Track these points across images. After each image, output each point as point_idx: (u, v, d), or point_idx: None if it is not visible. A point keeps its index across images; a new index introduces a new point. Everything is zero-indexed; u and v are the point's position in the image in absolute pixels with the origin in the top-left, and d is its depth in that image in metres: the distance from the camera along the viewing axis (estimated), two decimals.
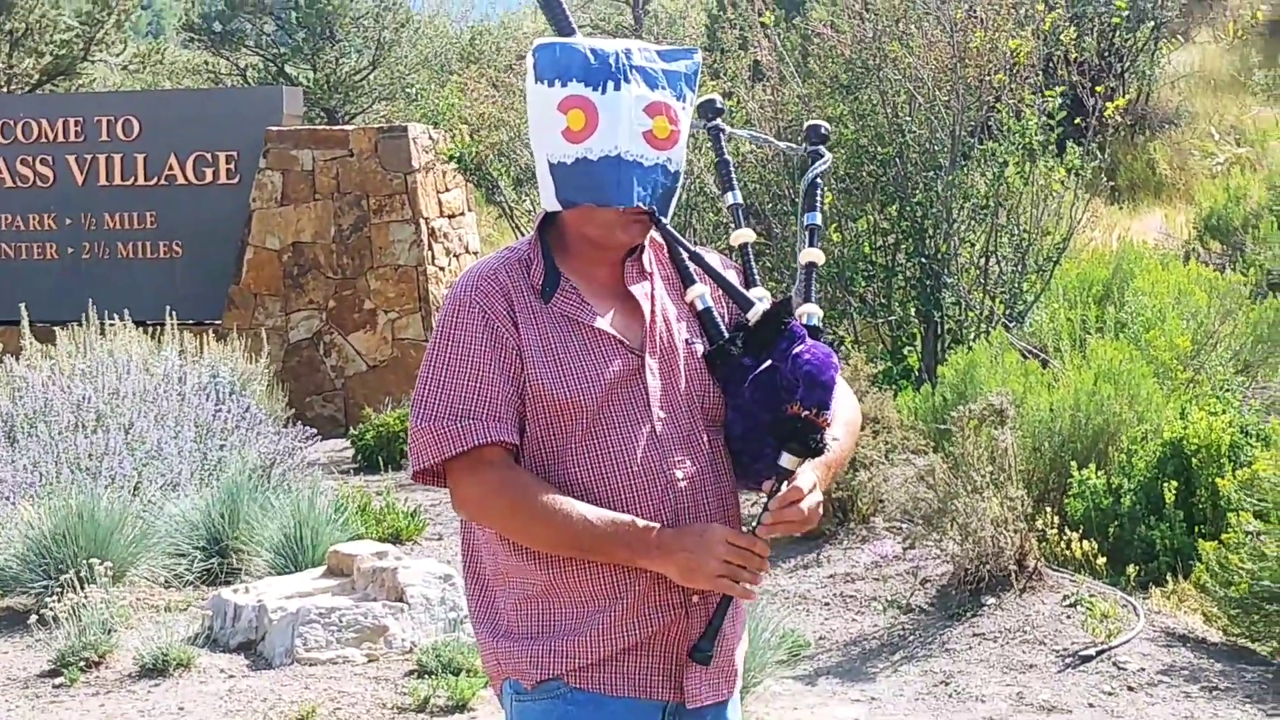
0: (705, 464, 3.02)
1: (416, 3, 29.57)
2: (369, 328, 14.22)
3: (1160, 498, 7.54)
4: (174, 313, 11.61)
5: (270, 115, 14.70)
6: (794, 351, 2.96)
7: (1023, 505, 7.30)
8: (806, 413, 2.91)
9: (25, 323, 10.60)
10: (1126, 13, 11.51)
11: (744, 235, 3.25)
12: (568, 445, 2.96)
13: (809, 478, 2.95)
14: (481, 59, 21.71)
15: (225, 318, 14.24)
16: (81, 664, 7.03)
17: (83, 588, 7.29)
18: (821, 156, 3.31)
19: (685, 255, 3.12)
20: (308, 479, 9.82)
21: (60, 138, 14.97)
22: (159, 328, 11.22)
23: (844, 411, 3.10)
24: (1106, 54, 13.17)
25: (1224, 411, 8.15)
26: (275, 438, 10.12)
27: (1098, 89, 10.48)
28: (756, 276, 3.22)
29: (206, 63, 29.40)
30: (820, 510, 2.98)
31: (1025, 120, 10.16)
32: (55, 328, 11.09)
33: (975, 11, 10.30)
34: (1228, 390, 9.21)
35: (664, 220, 3.03)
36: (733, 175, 3.35)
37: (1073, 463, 8.04)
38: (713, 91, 10.01)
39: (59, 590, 7.43)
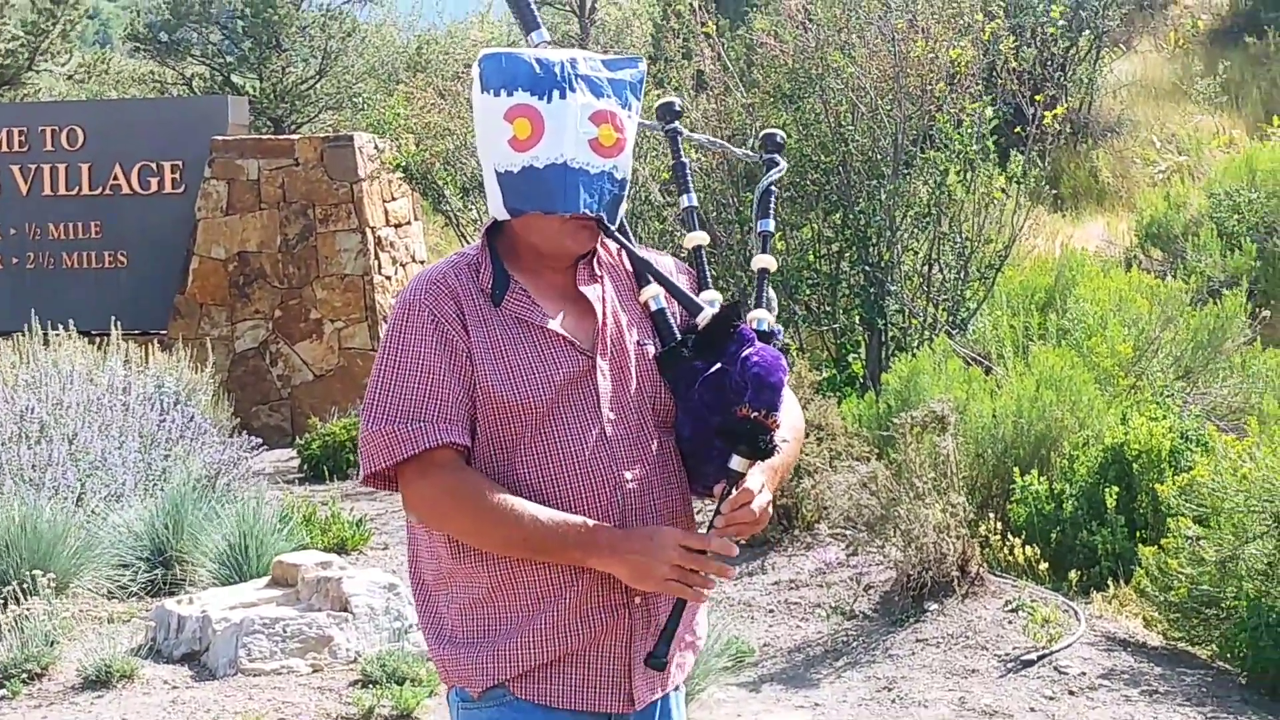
0: (655, 466, 3.04)
1: (363, 12, 29.53)
2: (315, 337, 14.19)
3: (1102, 503, 7.61)
4: (119, 323, 11.54)
5: (216, 125, 14.67)
6: (743, 354, 2.99)
7: (965, 511, 7.35)
8: (755, 414, 2.93)
9: None
10: (1062, 23, 11.60)
11: (698, 238, 3.28)
12: (517, 446, 2.98)
13: (758, 479, 2.97)
14: (428, 68, 21.69)
15: (170, 328, 14.20)
16: (24, 676, 6.98)
17: (25, 599, 7.25)
18: (777, 164, 3.35)
19: (635, 261, 3.15)
20: (253, 489, 9.78)
21: (4, 147, 14.90)
22: (104, 338, 11.16)
23: (789, 417, 3.12)
24: (1047, 63, 13.29)
25: (1164, 417, 8.22)
26: (220, 447, 10.08)
27: (1038, 98, 10.56)
28: (709, 279, 3.25)
29: (152, 72, 29.30)
30: (770, 512, 3.00)
31: (963, 129, 10.23)
32: None
33: (916, 21, 10.37)
34: (1168, 396, 9.29)
35: (611, 227, 3.06)
36: (689, 178, 3.38)
37: (1015, 469, 8.10)
38: (657, 100, 10.05)
39: (1, 602, 7.39)
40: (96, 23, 52.56)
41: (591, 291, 3.09)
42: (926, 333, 10.56)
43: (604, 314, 3.07)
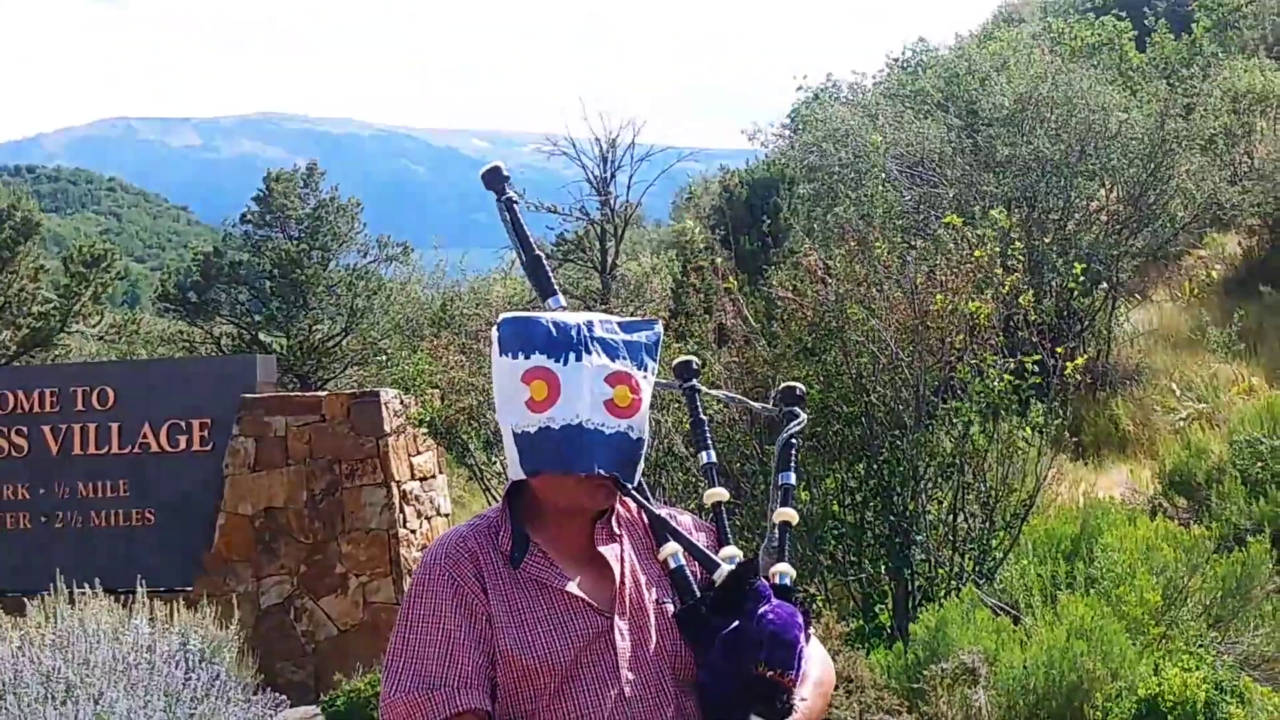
0: None
1: (388, 270, 30.06)
2: (340, 592, 14.17)
3: None
4: (144, 580, 11.57)
5: (244, 383, 14.83)
6: (759, 611, 3.02)
7: None
8: (772, 673, 2.95)
9: None
10: (1082, 279, 11.76)
11: (718, 494, 3.33)
12: (536, 708, 2.99)
13: None
14: (453, 324, 22.01)
15: (196, 584, 14.18)
16: None
17: None
18: (796, 417, 3.41)
19: (652, 520, 3.19)
20: None
21: (35, 408, 15.06)
22: (130, 595, 11.17)
23: (815, 670, 3.13)
24: (1065, 314, 13.49)
25: (1198, 667, 8.15)
26: (245, 705, 10.02)
27: (1058, 349, 10.66)
28: (729, 535, 3.29)
29: (181, 331, 29.78)
30: None
31: (987, 379, 10.31)
32: (25, 598, 11.05)
33: (935, 275, 10.53)
34: (1200, 645, 9.21)
35: (629, 486, 3.11)
36: (707, 435, 3.45)
37: None
38: (680, 354, 10.15)
39: None
40: (126, 284, 53.50)
41: (609, 551, 3.13)
42: (953, 582, 10.51)
43: (622, 573, 3.11)
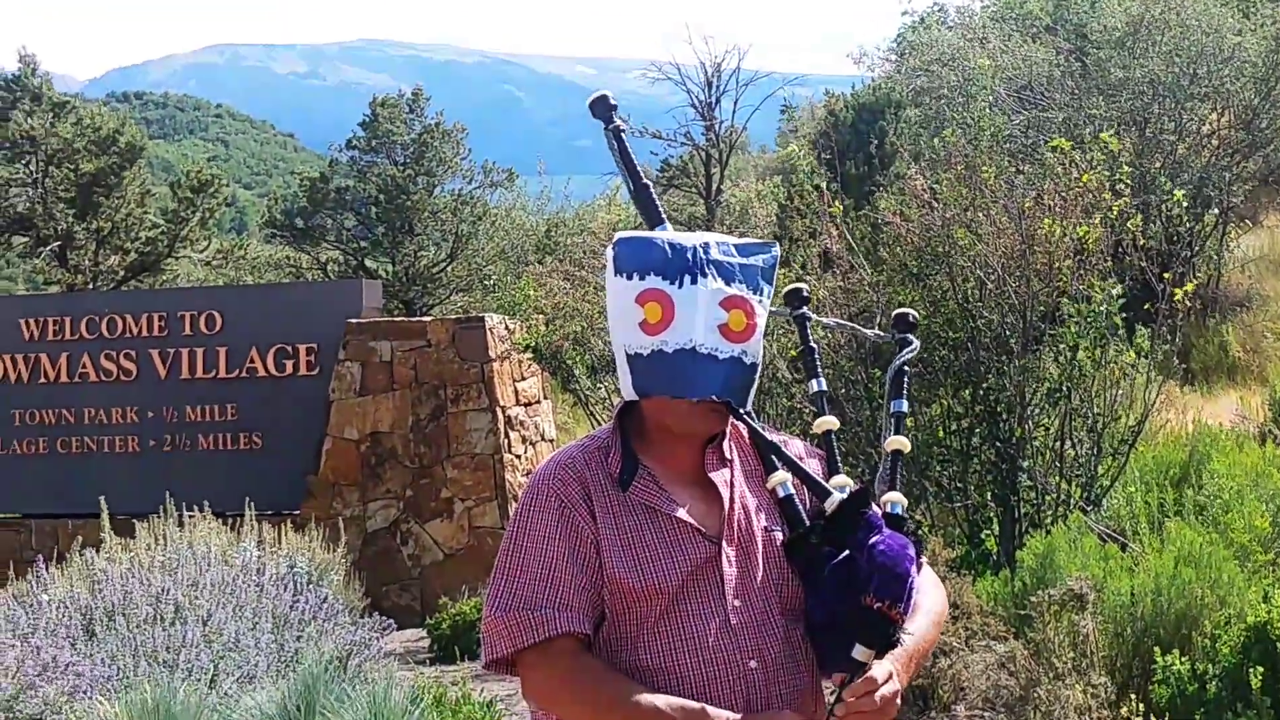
0: (780, 652, 3.01)
1: (494, 196, 30.11)
2: (446, 516, 14.28)
3: (1246, 684, 7.41)
4: (252, 503, 11.70)
5: (350, 308, 14.92)
6: (870, 542, 2.97)
7: (1106, 692, 7.20)
8: (880, 605, 2.91)
9: (105, 516, 10.71)
10: (1185, 203, 11.55)
11: (828, 423, 3.27)
12: (641, 632, 2.98)
13: (884, 668, 2.93)
14: (557, 250, 22.03)
15: (303, 508, 14.34)
16: None
17: None
18: (909, 344, 3.35)
19: (763, 446, 3.15)
20: (383, 670, 9.79)
21: (144, 332, 15.25)
22: (238, 518, 11.30)
23: (926, 600, 3.10)
24: (1174, 240, 13.29)
25: None
26: (352, 628, 10.12)
27: (1165, 274, 10.50)
28: (839, 464, 3.24)
29: (288, 257, 30.06)
30: (898, 701, 2.96)
31: (1093, 305, 10.17)
32: (135, 520, 11.21)
33: (1042, 199, 10.37)
34: None
35: (741, 411, 3.07)
36: (818, 363, 3.39)
37: (1156, 649, 7.93)
38: (783, 280, 10.06)
39: None
40: (233, 210, 54.09)
41: (719, 476, 3.09)
42: (1060, 509, 10.42)
43: (730, 499, 3.07)
